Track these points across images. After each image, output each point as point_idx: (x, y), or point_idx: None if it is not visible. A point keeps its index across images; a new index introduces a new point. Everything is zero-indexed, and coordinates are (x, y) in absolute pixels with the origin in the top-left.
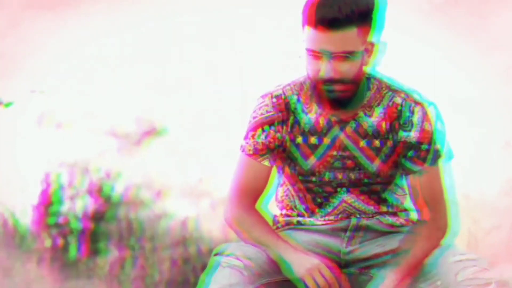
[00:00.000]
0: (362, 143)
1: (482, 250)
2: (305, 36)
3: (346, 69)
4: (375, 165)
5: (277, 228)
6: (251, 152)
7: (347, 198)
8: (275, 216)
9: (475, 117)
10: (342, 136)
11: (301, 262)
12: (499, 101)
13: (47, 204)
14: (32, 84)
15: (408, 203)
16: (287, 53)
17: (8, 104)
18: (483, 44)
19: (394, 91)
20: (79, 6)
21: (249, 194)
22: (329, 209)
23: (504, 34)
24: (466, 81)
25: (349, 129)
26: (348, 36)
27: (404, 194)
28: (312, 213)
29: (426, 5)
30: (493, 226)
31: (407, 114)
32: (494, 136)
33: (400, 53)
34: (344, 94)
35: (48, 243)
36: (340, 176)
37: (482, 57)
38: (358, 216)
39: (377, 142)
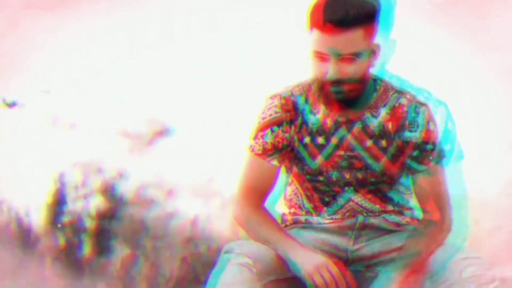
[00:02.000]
0: (369, 143)
1: (483, 251)
2: (312, 39)
3: (353, 70)
4: (381, 165)
5: (285, 226)
6: (260, 152)
7: (354, 197)
8: (283, 214)
9: (475, 117)
10: (349, 136)
11: (309, 260)
12: (499, 101)
13: (60, 203)
14: (32, 84)
15: (413, 202)
16: (296, 52)
17: (10, 103)
18: (484, 44)
19: (400, 92)
20: (79, 6)
21: (257, 193)
22: (336, 208)
23: (505, 34)
24: (466, 81)
25: (356, 129)
26: (354, 38)
27: (410, 193)
28: (319, 212)
29: (426, 5)
30: (494, 227)
31: (413, 114)
32: (495, 137)
33: (400, 53)
34: (351, 95)
35: (61, 242)
36: (347, 175)
37: (483, 57)
38: (364, 214)
39: (383, 142)
